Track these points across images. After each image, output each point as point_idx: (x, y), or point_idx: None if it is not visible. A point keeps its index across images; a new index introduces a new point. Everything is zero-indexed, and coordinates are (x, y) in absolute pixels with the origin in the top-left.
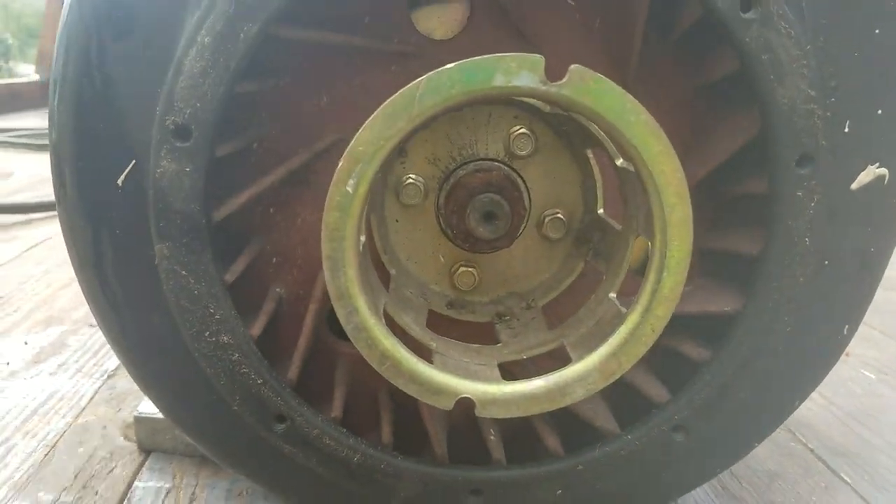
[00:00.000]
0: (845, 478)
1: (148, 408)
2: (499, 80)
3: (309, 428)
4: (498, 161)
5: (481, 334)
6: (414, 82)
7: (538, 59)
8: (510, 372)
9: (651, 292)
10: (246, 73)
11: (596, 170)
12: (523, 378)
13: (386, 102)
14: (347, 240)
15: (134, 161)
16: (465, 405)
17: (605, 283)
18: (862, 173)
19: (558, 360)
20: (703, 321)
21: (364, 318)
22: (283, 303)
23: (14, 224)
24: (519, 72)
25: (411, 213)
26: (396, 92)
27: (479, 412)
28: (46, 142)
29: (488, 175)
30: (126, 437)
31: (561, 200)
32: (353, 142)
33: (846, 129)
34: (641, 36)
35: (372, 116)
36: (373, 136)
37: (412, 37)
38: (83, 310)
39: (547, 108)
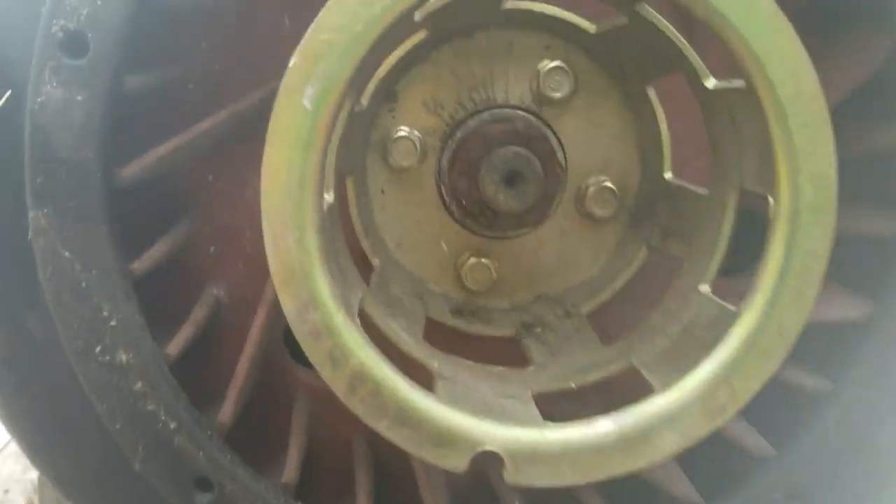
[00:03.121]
0: None
1: None
2: None
3: (246, 501)
4: (522, 109)
5: (499, 354)
6: None
7: None
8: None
9: (778, 273)
10: None
11: (661, 114)
12: (564, 418)
13: None
14: (304, 188)
15: (10, 91)
16: (486, 464)
17: (689, 272)
18: None
19: (609, 395)
20: (818, 335)
21: (327, 315)
22: (222, 310)
23: None
24: None
25: (403, 181)
26: None
27: (512, 477)
28: None
29: (511, 125)
30: None
31: (609, 163)
32: (312, 27)
33: None
34: None
35: None
36: (344, 19)
37: None
38: None
39: (592, 28)
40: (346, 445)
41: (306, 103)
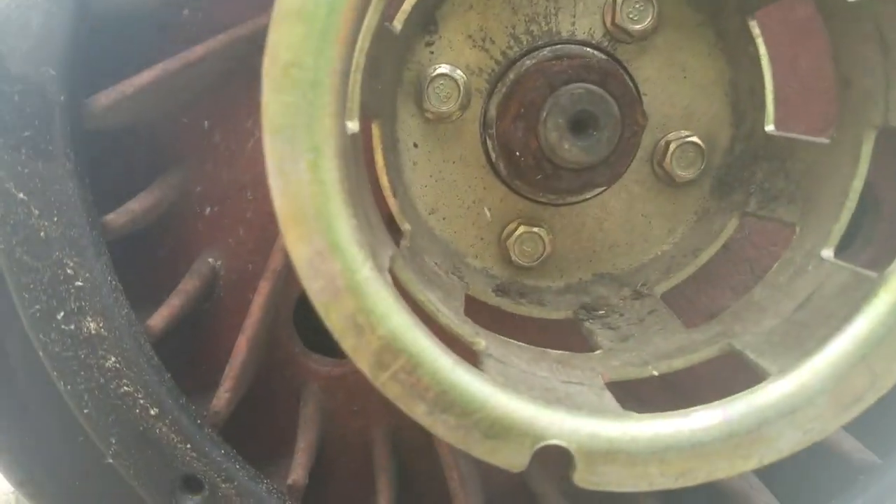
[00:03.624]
0: None
1: None
2: None
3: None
4: (592, 46)
5: (551, 342)
6: None
7: None
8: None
9: None
10: None
11: (764, 53)
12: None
13: None
14: (319, 92)
15: None
16: (551, 461)
17: (804, 238)
18: None
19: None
20: None
21: (349, 266)
22: (219, 282)
23: None
24: None
25: (440, 133)
26: None
27: (584, 479)
28: None
29: (581, 61)
30: None
31: (695, 115)
32: None
33: None
34: None
35: None
36: None
37: None
38: None
39: None
40: (365, 445)
41: None
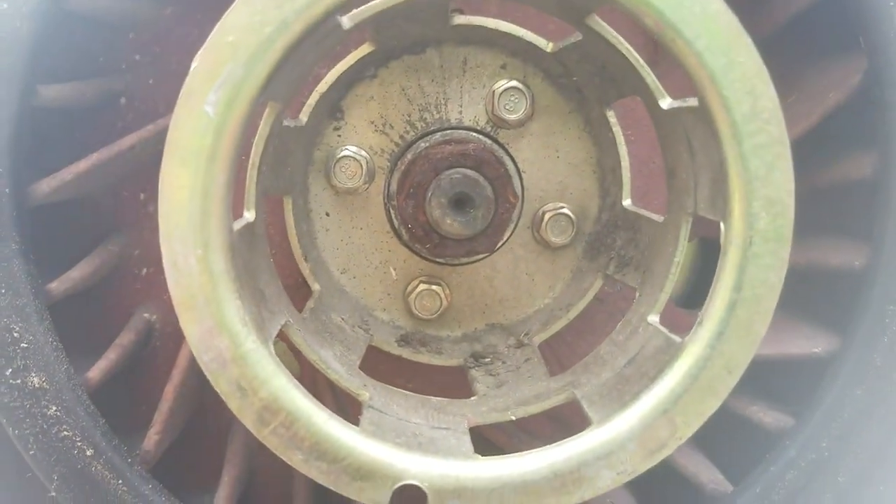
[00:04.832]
0: None
1: None
2: None
3: None
4: (477, 130)
5: (448, 382)
6: None
7: None
8: (489, 441)
9: (727, 304)
10: None
11: (620, 139)
12: (510, 451)
13: None
14: (207, 203)
15: None
16: (412, 499)
17: (640, 302)
18: None
19: (564, 423)
20: (779, 370)
21: (233, 341)
22: (154, 334)
23: None
24: None
25: (349, 204)
26: None
27: None
28: None
29: (462, 147)
30: None
31: (567, 189)
32: (217, 28)
33: None
34: None
35: None
36: (252, 20)
37: None
38: None
39: (549, 47)
40: (287, 477)
41: (209, 110)
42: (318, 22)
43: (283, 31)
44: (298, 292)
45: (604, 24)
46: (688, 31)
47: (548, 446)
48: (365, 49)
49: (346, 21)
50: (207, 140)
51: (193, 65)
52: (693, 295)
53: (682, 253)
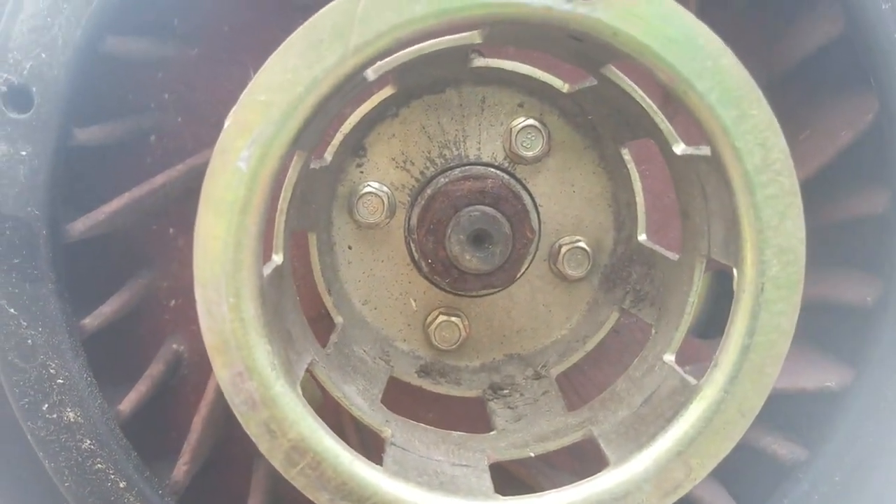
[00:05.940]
0: None
1: None
2: None
3: None
4: (495, 166)
5: (468, 416)
6: None
7: None
8: (510, 473)
9: (740, 349)
10: (124, 20)
11: (635, 176)
12: (530, 490)
13: (306, 23)
14: (240, 254)
15: None
16: None
17: (656, 340)
18: None
19: (582, 458)
20: (792, 402)
21: (263, 384)
22: (182, 365)
23: None
24: None
25: (371, 238)
26: None
27: None
28: None
29: (480, 183)
30: None
31: (583, 223)
32: (249, 87)
33: None
34: None
35: (282, 46)
36: (283, 79)
37: None
38: None
39: (565, 88)
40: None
41: (241, 165)
42: (347, 79)
43: (313, 90)
44: (320, 324)
45: (619, 73)
46: (700, 85)
47: (565, 487)
48: (387, 91)
49: (371, 73)
50: (241, 192)
51: (227, 122)
52: (709, 324)
53: (696, 293)
